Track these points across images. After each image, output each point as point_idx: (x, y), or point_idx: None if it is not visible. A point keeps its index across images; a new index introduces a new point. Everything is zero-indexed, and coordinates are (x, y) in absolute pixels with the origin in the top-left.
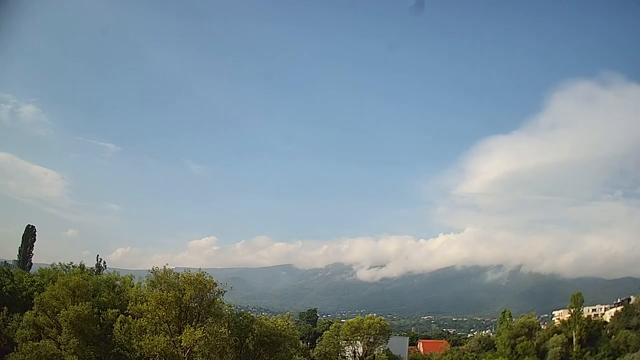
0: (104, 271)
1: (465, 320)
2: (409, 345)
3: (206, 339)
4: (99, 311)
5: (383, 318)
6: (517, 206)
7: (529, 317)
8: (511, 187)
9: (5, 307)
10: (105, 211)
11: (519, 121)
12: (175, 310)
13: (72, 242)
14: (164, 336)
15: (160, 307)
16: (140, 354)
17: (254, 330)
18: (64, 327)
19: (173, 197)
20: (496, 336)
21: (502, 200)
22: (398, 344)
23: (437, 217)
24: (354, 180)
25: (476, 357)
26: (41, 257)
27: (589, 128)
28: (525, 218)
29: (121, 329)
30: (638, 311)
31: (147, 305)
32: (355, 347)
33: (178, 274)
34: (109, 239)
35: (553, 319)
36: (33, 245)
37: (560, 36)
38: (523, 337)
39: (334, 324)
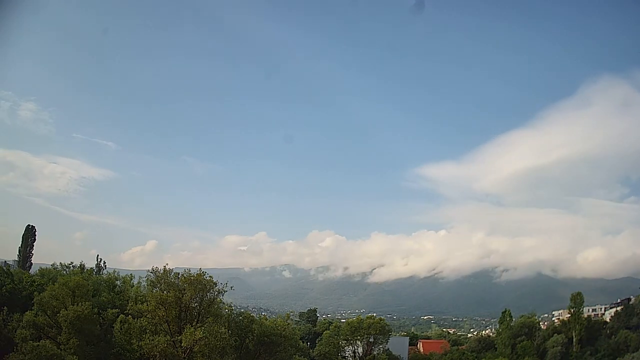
0: (104, 271)
1: (465, 320)
2: (409, 345)
3: (206, 339)
4: (99, 311)
5: (383, 318)
6: (521, 204)
7: (529, 317)
8: (523, 183)
9: (5, 307)
10: (117, 210)
11: (542, 115)
12: (175, 310)
13: (82, 242)
14: (164, 336)
15: (160, 307)
16: (140, 354)
17: (254, 330)
18: (64, 327)
19: (178, 194)
20: (496, 336)
21: (507, 198)
22: (398, 344)
23: (440, 215)
24: (358, 179)
25: (476, 357)
26: (44, 257)
27: (615, 128)
28: (527, 217)
29: (121, 329)
30: (638, 311)
31: (147, 305)
32: (355, 347)
33: (178, 274)
34: (121, 239)
35: (553, 319)
36: (33, 245)
37: (591, 33)
38: (523, 337)
39: (334, 324)
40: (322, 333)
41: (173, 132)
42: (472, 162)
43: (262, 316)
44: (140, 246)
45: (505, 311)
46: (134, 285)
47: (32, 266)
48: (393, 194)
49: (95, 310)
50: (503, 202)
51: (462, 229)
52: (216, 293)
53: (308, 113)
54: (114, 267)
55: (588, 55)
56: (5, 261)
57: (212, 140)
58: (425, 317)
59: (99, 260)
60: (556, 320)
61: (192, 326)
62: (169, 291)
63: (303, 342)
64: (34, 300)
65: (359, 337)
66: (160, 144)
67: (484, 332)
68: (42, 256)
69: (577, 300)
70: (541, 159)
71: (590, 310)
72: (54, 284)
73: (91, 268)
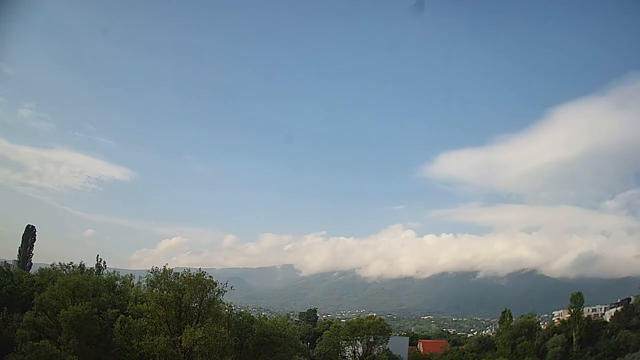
0: (104, 271)
1: (465, 320)
2: (409, 345)
3: (206, 339)
4: (99, 311)
5: (383, 318)
6: (522, 204)
7: (529, 317)
8: (535, 179)
9: (5, 307)
10: (126, 210)
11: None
12: (175, 310)
13: (91, 241)
14: (164, 336)
15: (160, 307)
16: (140, 354)
17: (254, 330)
18: (64, 327)
19: (184, 194)
20: (496, 336)
21: (518, 196)
22: (398, 344)
23: (442, 214)
24: (360, 178)
25: (476, 357)
26: (47, 257)
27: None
28: (529, 217)
29: (121, 329)
30: (638, 311)
31: (146, 305)
32: (355, 347)
33: (177, 274)
34: (130, 240)
35: (553, 319)
36: (33, 245)
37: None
38: (523, 337)
39: (334, 324)
40: (322, 333)
41: (177, 131)
42: (491, 158)
43: (262, 316)
44: (151, 247)
45: (505, 311)
46: (134, 285)
47: (32, 266)
48: (398, 193)
49: (95, 310)
50: (511, 200)
51: (466, 229)
52: (216, 293)
53: (309, 115)
54: (124, 267)
55: (619, 53)
56: (5, 261)
57: (217, 140)
58: (425, 317)
59: (99, 260)
60: (556, 320)
61: (192, 326)
62: (168, 291)
63: (303, 342)
64: (34, 300)
65: (359, 337)
66: (165, 143)
67: (484, 332)
68: (44, 256)
69: (577, 300)
70: (558, 155)
71: (590, 310)
72: (54, 284)
73: (91, 268)
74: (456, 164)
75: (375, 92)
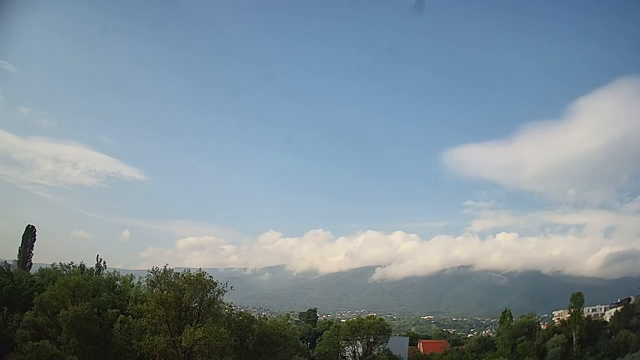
0: (104, 271)
1: (465, 320)
2: (409, 345)
3: (206, 339)
4: (99, 311)
5: (383, 318)
6: (523, 204)
7: (529, 317)
8: (543, 178)
9: (5, 307)
10: (133, 210)
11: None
12: (175, 310)
13: (99, 241)
14: (164, 336)
15: (160, 307)
16: (140, 354)
17: (254, 330)
18: (64, 327)
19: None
20: (496, 336)
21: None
22: (398, 344)
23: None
24: (362, 178)
25: (476, 357)
26: (48, 257)
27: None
28: (529, 217)
29: (121, 329)
30: (638, 311)
31: (146, 305)
32: (355, 347)
33: (178, 274)
34: (137, 240)
35: (553, 319)
36: (33, 245)
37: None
38: (523, 337)
39: (334, 324)
40: (322, 333)
41: (185, 131)
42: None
43: (262, 316)
44: (167, 247)
45: (505, 311)
46: (134, 285)
47: (32, 266)
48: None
49: (95, 310)
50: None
51: (468, 229)
52: (216, 293)
53: (310, 115)
54: (132, 268)
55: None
56: (5, 261)
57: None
58: (425, 317)
59: (98, 260)
60: (556, 320)
61: (192, 326)
62: (168, 291)
63: (303, 342)
64: (34, 300)
65: (359, 337)
66: (171, 142)
67: (484, 332)
68: (48, 256)
69: (577, 300)
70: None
71: (590, 310)
72: (54, 284)
73: (91, 268)
74: (474, 161)
75: (377, 92)
